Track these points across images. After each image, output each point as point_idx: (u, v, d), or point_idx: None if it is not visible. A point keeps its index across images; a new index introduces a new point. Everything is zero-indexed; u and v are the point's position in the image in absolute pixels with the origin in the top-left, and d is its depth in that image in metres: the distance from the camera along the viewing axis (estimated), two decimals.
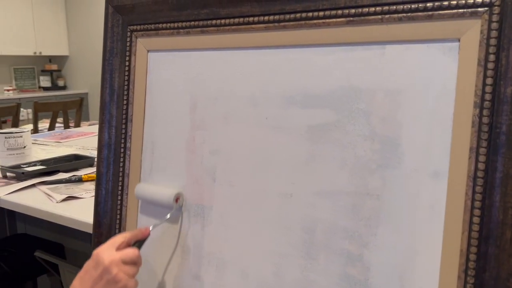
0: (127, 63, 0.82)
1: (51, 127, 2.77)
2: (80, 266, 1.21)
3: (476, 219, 0.50)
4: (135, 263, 0.67)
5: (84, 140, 2.01)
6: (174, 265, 0.76)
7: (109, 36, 0.83)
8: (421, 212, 0.55)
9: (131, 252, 0.66)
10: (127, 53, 0.82)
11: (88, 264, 0.66)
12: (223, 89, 0.72)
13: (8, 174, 1.32)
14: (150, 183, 0.79)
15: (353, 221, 0.60)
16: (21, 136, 1.42)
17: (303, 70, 0.64)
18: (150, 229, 0.71)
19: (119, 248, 0.66)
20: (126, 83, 0.82)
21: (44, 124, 2.99)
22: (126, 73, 0.82)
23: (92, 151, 1.67)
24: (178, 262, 0.76)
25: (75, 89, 5.97)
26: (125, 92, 0.82)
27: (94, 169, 1.40)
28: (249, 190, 0.69)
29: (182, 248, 0.75)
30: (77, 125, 2.97)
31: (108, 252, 0.65)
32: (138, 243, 0.70)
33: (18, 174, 1.28)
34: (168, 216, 0.74)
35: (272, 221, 0.67)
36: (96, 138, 2.15)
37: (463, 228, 0.52)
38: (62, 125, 2.92)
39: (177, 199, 0.74)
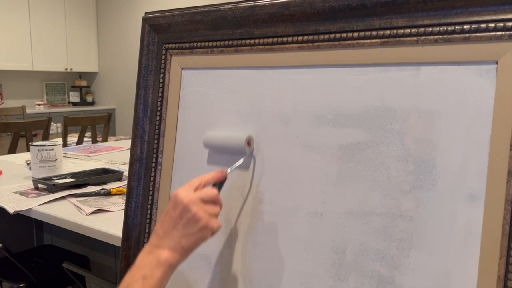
0: (161, 80, 0.84)
1: (80, 141, 2.84)
2: (104, 279, 1.22)
3: None
4: (215, 202, 0.64)
5: (112, 154, 2.05)
6: (247, 212, 0.72)
7: (145, 53, 0.86)
8: (456, 235, 0.54)
9: (210, 191, 0.63)
10: (162, 71, 0.84)
11: (168, 207, 0.63)
12: (255, 107, 0.73)
13: (39, 185, 1.36)
14: (219, 130, 0.76)
15: (385, 243, 0.59)
16: (53, 149, 1.46)
17: (336, 89, 0.65)
18: (228, 171, 0.69)
19: (197, 189, 0.64)
20: (159, 99, 0.84)
21: (72, 138, 3.07)
22: (160, 90, 0.84)
23: (120, 166, 1.70)
24: (249, 212, 0.72)
25: (103, 105, 6.11)
26: (158, 108, 0.84)
27: (122, 183, 1.42)
28: (278, 208, 0.69)
29: (254, 196, 0.72)
30: (105, 139, 3.03)
31: (186, 192, 0.62)
32: (216, 186, 0.67)
33: (49, 186, 1.31)
34: (242, 160, 0.71)
35: (301, 240, 0.67)
36: (124, 153, 2.19)
37: (500, 254, 0.50)
38: (90, 139, 2.99)
39: (248, 142, 0.71)
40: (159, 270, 0.60)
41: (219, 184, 0.68)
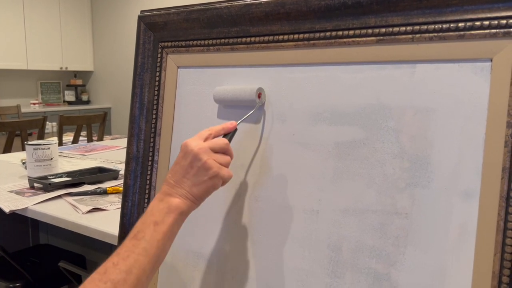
0: (157, 79, 0.84)
1: (75, 140, 2.83)
2: None
3: (509, 241, 0.49)
4: (225, 152, 0.64)
5: (108, 153, 2.04)
6: (256, 166, 0.72)
7: (141, 52, 0.86)
8: (452, 232, 0.54)
9: (220, 140, 0.64)
10: (158, 69, 0.84)
11: (178, 157, 0.63)
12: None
13: (35, 184, 1.35)
14: (228, 85, 0.75)
15: (381, 240, 0.59)
16: (48, 148, 1.45)
17: (332, 87, 0.65)
18: (238, 123, 0.69)
19: (206, 139, 0.64)
20: (155, 98, 0.84)
21: (67, 137, 3.05)
22: (156, 88, 0.84)
23: (116, 164, 1.70)
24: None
25: (98, 104, 6.09)
26: (155, 107, 0.84)
27: (118, 182, 1.42)
28: (275, 205, 0.69)
29: (264, 147, 0.71)
30: (100, 138, 3.02)
31: (196, 142, 0.63)
32: (226, 137, 0.67)
33: (45, 185, 1.31)
34: (253, 111, 0.70)
35: (297, 238, 0.67)
36: (120, 152, 2.18)
37: (495, 250, 0.51)
38: (85, 138, 2.98)
39: (259, 95, 0.70)
40: (170, 217, 0.60)
41: (229, 135, 0.67)
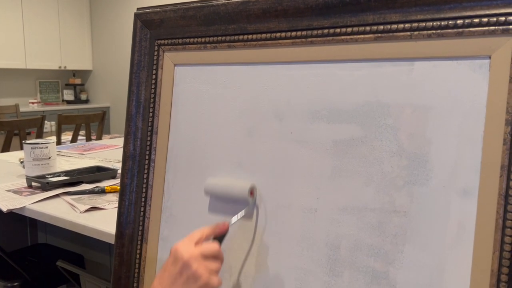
0: (154, 77, 0.83)
1: (74, 139, 2.82)
2: (99, 277, 1.22)
3: (508, 239, 0.49)
4: (216, 257, 0.62)
5: (107, 152, 2.04)
6: (251, 263, 0.71)
7: (137, 50, 0.85)
8: (450, 230, 0.54)
9: (211, 246, 0.62)
10: (154, 67, 0.84)
11: (167, 261, 0.61)
12: (249, 103, 0.72)
13: (33, 183, 1.35)
14: (220, 178, 0.74)
15: (379, 238, 0.59)
16: (46, 147, 1.45)
17: (329, 85, 0.64)
18: (231, 223, 0.67)
19: (197, 243, 0.62)
20: (152, 96, 0.83)
21: (66, 136, 3.05)
22: (153, 86, 0.83)
23: (114, 163, 1.69)
24: (254, 260, 0.71)
25: (97, 103, 6.08)
26: (151, 105, 0.83)
27: (116, 181, 1.42)
28: (273, 204, 0.69)
29: (259, 245, 0.70)
30: (99, 137, 3.02)
31: (187, 247, 0.60)
32: (218, 238, 0.66)
33: (43, 184, 1.30)
34: (245, 210, 0.70)
35: (295, 236, 0.66)
36: (118, 151, 2.17)
37: (494, 248, 0.50)
38: (84, 137, 2.98)
39: (251, 192, 0.70)
40: None
41: (220, 237, 0.66)
